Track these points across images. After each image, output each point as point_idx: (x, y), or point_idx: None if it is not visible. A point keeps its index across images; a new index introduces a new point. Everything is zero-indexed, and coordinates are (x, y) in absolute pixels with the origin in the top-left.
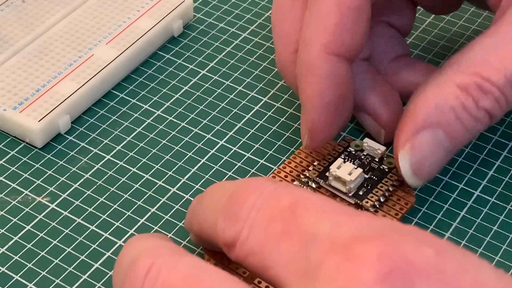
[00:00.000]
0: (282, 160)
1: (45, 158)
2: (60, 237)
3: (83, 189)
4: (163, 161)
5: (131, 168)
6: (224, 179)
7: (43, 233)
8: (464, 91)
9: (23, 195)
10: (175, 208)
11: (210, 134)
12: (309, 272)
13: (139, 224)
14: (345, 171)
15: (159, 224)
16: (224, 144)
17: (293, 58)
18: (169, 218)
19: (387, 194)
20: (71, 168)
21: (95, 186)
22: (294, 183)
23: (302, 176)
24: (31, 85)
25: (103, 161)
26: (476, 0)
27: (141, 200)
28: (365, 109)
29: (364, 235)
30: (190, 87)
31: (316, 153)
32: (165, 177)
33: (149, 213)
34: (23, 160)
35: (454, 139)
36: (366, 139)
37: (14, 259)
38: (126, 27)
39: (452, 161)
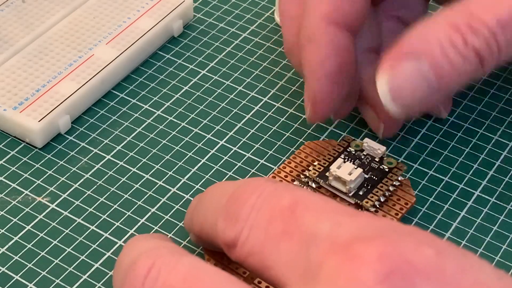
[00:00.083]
0: (282, 160)
1: (45, 158)
2: (60, 237)
3: (83, 189)
4: (163, 161)
5: (131, 168)
6: (224, 179)
7: (43, 233)
8: (454, 28)
9: (23, 195)
10: (175, 208)
11: (210, 134)
12: (309, 272)
13: (139, 224)
14: (345, 171)
15: (159, 224)
16: (224, 144)
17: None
18: (169, 218)
19: (387, 194)
20: (71, 168)
21: (95, 186)
22: (294, 183)
23: (302, 176)
24: (31, 85)
25: (103, 161)
26: None
27: (141, 200)
28: (368, 100)
29: (364, 235)
30: (190, 87)
31: (316, 153)
32: (165, 177)
33: (149, 213)
34: (23, 160)
35: (439, 74)
36: (366, 139)
37: (14, 259)
38: (126, 27)
39: (452, 161)
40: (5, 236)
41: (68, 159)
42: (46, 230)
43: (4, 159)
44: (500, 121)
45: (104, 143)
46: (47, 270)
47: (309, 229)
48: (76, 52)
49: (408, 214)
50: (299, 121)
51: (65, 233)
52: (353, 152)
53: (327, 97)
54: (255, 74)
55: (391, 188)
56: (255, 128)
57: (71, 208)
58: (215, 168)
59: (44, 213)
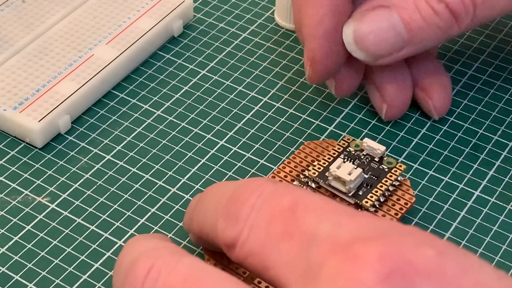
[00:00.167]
0: (282, 160)
1: (45, 158)
2: (60, 237)
3: (83, 189)
4: (163, 161)
5: (131, 168)
6: (224, 179)
7: (43, 233)
8: None
9: (23, 195)
10: (175, 208)
11: (210, 134)
12: (310, 272)
13: (139, 224)
14: (345, 171)
15: (159, 224)
16: (224, 144)
17: None
18: (169, 218)
19: (386, 194)
20: (71, 168)
21: (95, 186)
22: (294, 183)
23: (302, 176)
24: (31, 85)
25: (103, 161)
26: None
27: (141, 200)
28: (373, 80)
29: (365, 236)
30: (190, 87)
31: (316, 153)
32: (165, 177)
33: (149, 213)
34: (23, 160)
35: (409, 25)
36: (366, 139)
37: (14, 259)
38: (126, 27)
39: (452, 161)
40: (5, 236)
41: (68, 159)
42: (46, 230)
43: (4, 159)
44: (500, 121)
45: (104, 143)
46: (47, 270)
47: (309, 229)
48: (76, 52)
49: (408, 214)
50: (299, 121)
51: (65, 233)
52: (353, 152)
53: (325, 55)
54: (255, 74)
55: (390, 188)
56: (255, 128)
57: (71, 208)
58: (215, 168)
59: (44, 213)
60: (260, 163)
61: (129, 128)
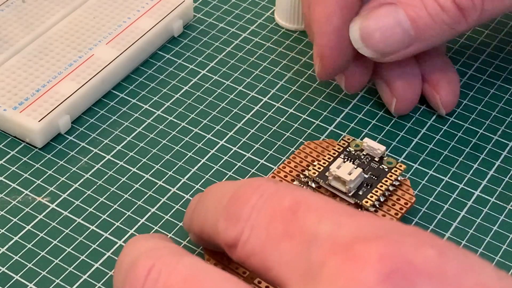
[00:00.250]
0: (282, 160)
1: (45, 158)
2: (60, 237)
3: (83, 189)
4: (163, 161)
5: (131, 168)
6: (224, 179)
7: (43, 233)
8: None
9: (23, 195)
10: (175, 208)
11: (210, 134)
12: (310, 272)
13: (139, 224)
14: (345, 171)
15: (159, 224)
16: (224, 144)
17: None
18: (169, 218)
19: (386, 194)
20: (71, 168)
21: (95, 186)
22: (294, 183)
23: (302, 176)
24: (31, 85)
25: (103, 161)
26: None
27: (141, 200)
28: (382, 75)
29: (365, 236)
30: (190, 87)
31: (316, 153)
32: (165, 177)
33: (149, 213)
34: (23, 160)
35: (416, 22)
36: (366, 139)
37: (14, 259)
38: (126, 27)
39: (452, 161)
40: (5, 236)
41: (68, 159)
42: (46, 230)
43: (4, 159)
44: (500, 121)
45: (104, 143)
46: (47, 270)
47: (310, 229)
48: (76, 52)
49: (408, 214)
50: (299, 121)
51: (65, 233)
52: (353, 152)
53: (335, 51)
54: (255, 74)
55: (390, 188)
56: (255, 128)
57: (71, 208)
58: (215, 168)
59: (44, 213)
60: (260, 163)
61: (129, 128)
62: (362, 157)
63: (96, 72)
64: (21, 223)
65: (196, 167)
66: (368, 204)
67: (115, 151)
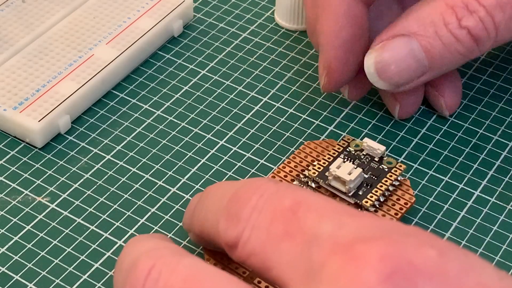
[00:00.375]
0: (282, 160)
1: (45, 158)
2: (60, 237)
3: (83, 189)
4: (163, 161)
5: (131, 168)
6: (224, 179)
7: (43, 233)
8: (450, 8)
9: (23, 195)
10: (175, 208)
11: (210, 134)
12: (311, 272)
13: (139, 224)
14: (345, 171)
15: (159, 224)
16: (224, 144)
17: None
18: (169, 218)
19: (386, 194)
20: (71, 168)
21: (95, 186)
22: (294, 183)
23: (302, 176)
24: (31, 85)
25: (103, 161)
26: None
27: (141, 200)
28: None
29: (366, 236)
30: (190, 87)
31: (316, 153)
32: (165, 177)
33: (149, 213)
34: (23, 160)
35: (429, 52)
36: (366, 139)
37: (14, 259)
38: (126, 27)
39: (452, 161)
40: (5, 236)
41: (68, 159)
42: (46, 230)
43: (4, 159)
44: (500, 121)
45: (104, 143)
46: (47, 270)
47: (311, 229)
48: (76, 52)
49: (408, 214)
50: (299, 121)
51: (65, 233)
52: (353, 152)
53: (342, 65)
54: (255, 74)
55: (390, 188)
56: (255, 128)
57: (71, 208)
58: (215, 168)
59: (44, 213)
60: (260, 163)
61: (129, 128)
62: (362, 157)
63: (96, 72)
64: (21, 223)
65: (196, 167)
66: (368, 204)
67: (115, 151)
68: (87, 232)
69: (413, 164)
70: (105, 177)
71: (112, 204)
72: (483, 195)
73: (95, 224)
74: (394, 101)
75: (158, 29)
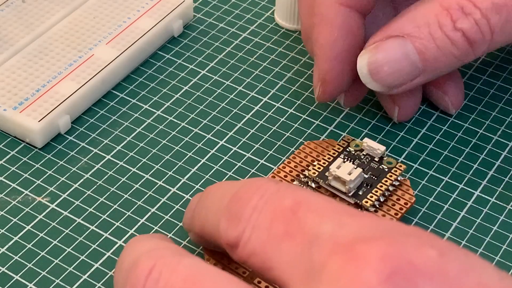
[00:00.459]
0: (282, 160)
1: (45, 158)
2: (60, 237)
3: (83, 189)
4: (163, 161)
5: (131, 168)
6: (224, 179)
7: (43, 233)
8: (445, 10)
9: (23, 195)
10: (175, 208)
11: (210, 134)
12: (312, 272)
13: (139, 224)
14: (345, 171)
15: (159, 224)
16: (224, 144)
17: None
18: (169, 218)
19: (386, 194)
20: (71, 168)
21: (95, 186)
22: (294, 183)
23: (301, 176)
24: (31, 85)
25: (103, 161)
26: None
27: (141, 200)
28: None
29: (367, 236)
30: (190, 87)
31: (316, 153)
32: (165, 177)
33: (149, 213)
34: (23, 160)
35: (424, 54)
36: (366, 139)
37: (14, 259)
38: (126, 27)
39: (452, 161)
40: (5, 236)
41: (68, 159)
42: (46, 230)
43: (4, 159)
44: (500, 121)
45: (104, 143)
46: (47, 270)
47: (311, 229)
48: (76, 52)
49: (408, 214)
50: (299, 121)
51: (65, 233)
52: (353, 152)
53: (337, 76)
54: (255, 74)
55: (390, 188)
56: (255, 128)
57: (71, 208)
58: (215, 168)
59: (44, 213)
60: (260, 163)
61: (129, 128)
62: (362, 157)
63: (96, 72)
64: (21, 223)
65: (196, 167)
66: (368, 204)
67: (115, 151)
68: (87, 232)
69: (413, 164)
70: (105, 177)
71: (112, 204)
72: (483, 195)
73: (95, 224)
74: (393, 104)
75: (158, 29)
